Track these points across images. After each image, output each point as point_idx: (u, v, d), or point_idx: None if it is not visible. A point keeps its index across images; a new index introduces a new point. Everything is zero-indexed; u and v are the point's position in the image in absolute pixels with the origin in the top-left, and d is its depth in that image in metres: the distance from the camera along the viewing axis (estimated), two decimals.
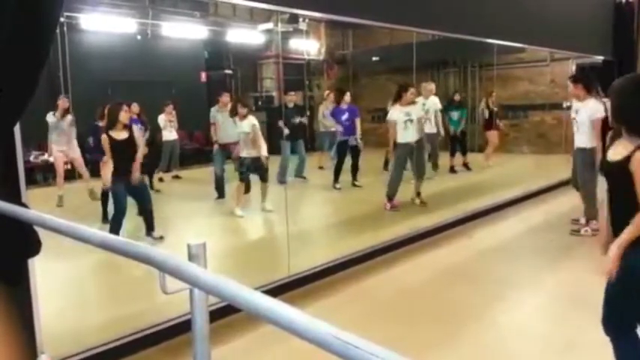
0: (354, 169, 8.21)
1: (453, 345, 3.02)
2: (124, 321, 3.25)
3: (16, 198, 2.24)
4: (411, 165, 6.69)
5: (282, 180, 8.11)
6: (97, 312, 3.76)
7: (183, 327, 2.78)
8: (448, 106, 9.55)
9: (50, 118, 6.97)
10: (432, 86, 8.95)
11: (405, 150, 6.52)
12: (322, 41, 14.44)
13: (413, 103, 6.65)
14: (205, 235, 5.94)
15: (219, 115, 7.54)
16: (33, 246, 2.20)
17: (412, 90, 6.72)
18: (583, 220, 5.41)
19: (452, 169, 9.44)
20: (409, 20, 4.86)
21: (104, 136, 5.05)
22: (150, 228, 5.30)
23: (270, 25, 12.54)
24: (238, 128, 6.46)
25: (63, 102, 6.99)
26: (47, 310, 2.66)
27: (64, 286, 4.18)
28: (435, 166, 8.76)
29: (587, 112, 5.11)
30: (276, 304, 0.91)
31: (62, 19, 8.76)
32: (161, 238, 5.29)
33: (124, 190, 5.03)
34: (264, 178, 6.51)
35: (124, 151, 5.02)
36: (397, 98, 6.66)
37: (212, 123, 7.66)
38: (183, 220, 6.58)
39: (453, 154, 9.50)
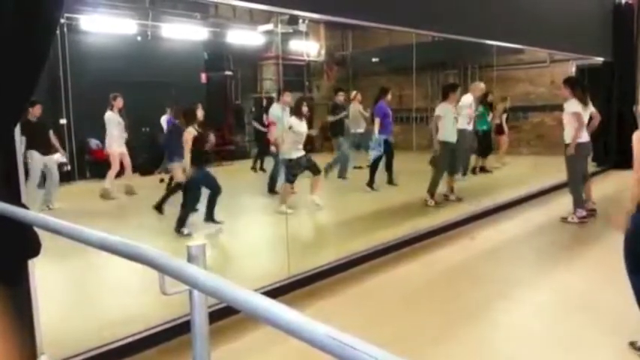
0: (390, 168, 8.14)
1: (455, 343, 3.02)
2: (121, 325, 3.24)
3: (15, 199, 2.24)
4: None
5: (343, 176, 8.77)
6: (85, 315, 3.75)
7: (182, 328, 2.78)
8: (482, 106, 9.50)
9: (113, 116, 7.52)
10: (483, 85, 8.97)
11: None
12: (322, 42, 14.46)
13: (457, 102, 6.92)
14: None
15: (282, 113, 7.50)
16: (32, 247, 2.20)
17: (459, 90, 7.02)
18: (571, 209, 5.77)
19: (483, 169, 9.39)
20: (408, 21, 4.86)
21: (190, 129, 5.56)
22: (211, 214, 5.71)
23: (270, 27, 12.55)
24: (297, 127, 6.32)
25: (119, 101, 7.57)
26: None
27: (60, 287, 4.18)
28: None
29: (566, 109, 5.74)
30: (274, 305, 0.91)
31: (62, 21, 8.78)
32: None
33: (200, 179, 5.61)
34: (318, 171, 6.49)
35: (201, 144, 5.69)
36: (445, 97, 6.78)
37: (272, 122, 7.66)
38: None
39: (484, 155, 9.42)
